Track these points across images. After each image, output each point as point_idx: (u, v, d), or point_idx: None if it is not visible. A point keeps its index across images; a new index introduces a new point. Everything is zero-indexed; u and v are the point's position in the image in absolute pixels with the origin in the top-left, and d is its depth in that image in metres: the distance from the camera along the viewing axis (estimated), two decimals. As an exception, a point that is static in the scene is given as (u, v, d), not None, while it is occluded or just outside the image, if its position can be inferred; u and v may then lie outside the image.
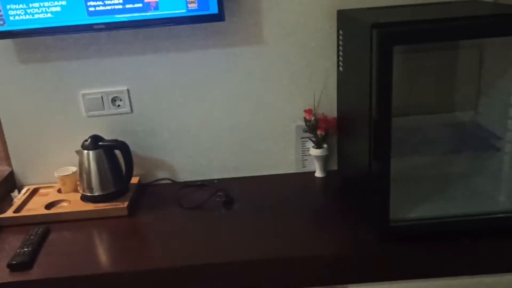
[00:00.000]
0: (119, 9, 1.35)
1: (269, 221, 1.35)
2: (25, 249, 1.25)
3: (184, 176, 1.64)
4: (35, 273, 1.19)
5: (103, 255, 1.25)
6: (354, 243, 1.22)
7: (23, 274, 1.19)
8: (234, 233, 1.30)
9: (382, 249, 1.19)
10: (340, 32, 1.43)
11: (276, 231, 1.30)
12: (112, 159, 1.47)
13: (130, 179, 1.50)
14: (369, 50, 1.10)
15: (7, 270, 1.20)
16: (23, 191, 1.56)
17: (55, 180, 1.57)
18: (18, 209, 1.45)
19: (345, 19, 1.38)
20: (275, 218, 1.36)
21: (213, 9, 1.36)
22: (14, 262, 1.20)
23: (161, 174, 1.64)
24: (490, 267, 1.19)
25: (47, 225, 1.39)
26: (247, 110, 1.58)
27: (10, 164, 1.59)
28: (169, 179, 1.64)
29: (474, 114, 1.41)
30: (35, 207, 1.46)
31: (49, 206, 1.47)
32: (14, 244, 1.30)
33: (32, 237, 1.31)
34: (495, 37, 1.16)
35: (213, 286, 1.20)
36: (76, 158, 1.49)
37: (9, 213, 1.42)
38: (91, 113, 1.56)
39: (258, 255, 1.20)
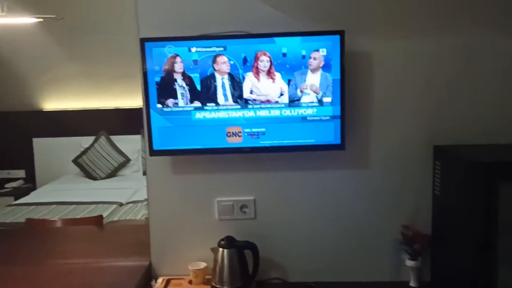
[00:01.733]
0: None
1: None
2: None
3: (293, 277, 1.88)
4: None
5: None
6: None
7: None
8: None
9: None
10: (437, 163, 1.74)
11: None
12: (242, 257, 1.75)
13: (255, 276, 1.75)
14: (473, 183, 1.40)
15: None
16: (159, 281, 1.83)
17: (182, 272, 1.85)
18: (160, 296, 1.72)
19: (444, 153, 1.69)
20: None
21: (337, 141, 1.71)
22: None
23: (273, 274, 1.89)
24: None
25: (187, 311, 1.64)
26: (352, 223, 1.86)
27: (149, 257, 1.88)
28: (280, 279, 1.88)
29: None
30: (176, 295, 1.72)
31: (186, 295, 1.73)
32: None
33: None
34: None
35: None
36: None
37: (156, 298, 1.69)
38: (222, 217, 1.86)
39: None
